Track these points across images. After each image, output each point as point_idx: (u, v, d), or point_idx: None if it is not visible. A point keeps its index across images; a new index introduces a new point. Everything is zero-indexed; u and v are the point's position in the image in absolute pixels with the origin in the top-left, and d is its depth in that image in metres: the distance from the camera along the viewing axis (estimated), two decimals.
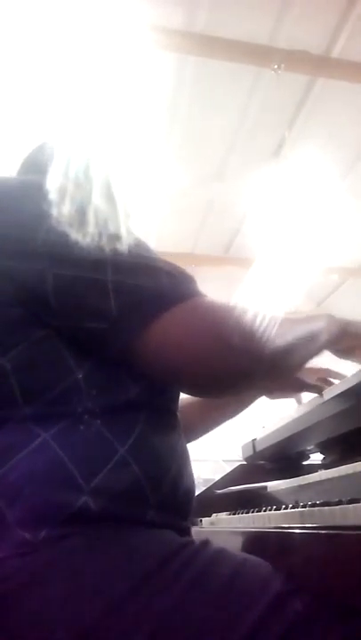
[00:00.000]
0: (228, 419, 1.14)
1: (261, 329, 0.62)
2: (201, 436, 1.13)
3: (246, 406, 1.13)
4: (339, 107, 3.29)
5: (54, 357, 0.64)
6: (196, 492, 1.21)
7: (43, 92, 2.96)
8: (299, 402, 1.09)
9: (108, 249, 0.63)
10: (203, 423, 1.11)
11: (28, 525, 0.58)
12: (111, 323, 0.62)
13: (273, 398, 1.12)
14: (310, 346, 0.76)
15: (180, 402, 0.78)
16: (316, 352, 0.78)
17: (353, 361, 0.93)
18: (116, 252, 0.63)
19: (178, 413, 0.77)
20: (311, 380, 1.04)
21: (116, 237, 0.64)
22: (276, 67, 2.90)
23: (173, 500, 0.68)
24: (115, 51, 2.74)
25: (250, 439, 1.33)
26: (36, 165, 0.74)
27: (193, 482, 0.75)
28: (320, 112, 3.33)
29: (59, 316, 0.63)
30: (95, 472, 0.61)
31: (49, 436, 0.61)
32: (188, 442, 0.82)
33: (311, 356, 0.77)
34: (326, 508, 0.64)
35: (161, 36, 2.71)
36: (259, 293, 0.66)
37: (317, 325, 0.78)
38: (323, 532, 0.57)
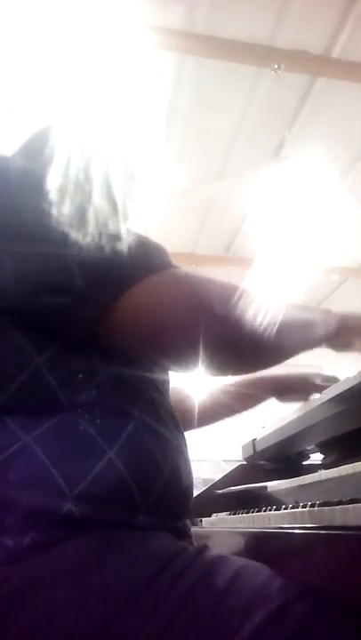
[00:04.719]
0: (235, 415, 1.15)
1: (243, 300, 0.60)
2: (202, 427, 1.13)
3: (253, 405, 1.14)
4: (339, 106, 3.29)
5: (10, 346, 0.62)
6: (197, 492, 1.22)
7: (43, 92, 2.96)
8: None
9: (107, 248, 0.62)
10: (208, 418, 1.12)
11: (11, 532, 0.56)
12: (76, 297, 0.60)
13: (283, 401, 1.11)
14: (304, 332, 0.73)
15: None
16: (312, 343, 0.76)
17: (350, 351, 0.92)
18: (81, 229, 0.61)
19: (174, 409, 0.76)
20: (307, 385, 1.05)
21: (116, 237, 0.63)
22: (276, 67, 2.90)
23: (167, 502, 0.66)
24: (115, 51, 2.74)
25: (250, 439, 1.33)
26: (34, 153, 0.73)
27: (191, 480, 0.73)
28: (320, 112, 3.33)
29: (18, 295, 0.61)
30: (80, 478, 0.59)
31: (31, 439, 0.59)
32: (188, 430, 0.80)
33: (306, 344, 0.74)
34: (326, 508, 0.64)
35: (161, 36, 2.71)
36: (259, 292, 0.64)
37: (314, 315, 0.77)
38: (323, 532, 0.57)
